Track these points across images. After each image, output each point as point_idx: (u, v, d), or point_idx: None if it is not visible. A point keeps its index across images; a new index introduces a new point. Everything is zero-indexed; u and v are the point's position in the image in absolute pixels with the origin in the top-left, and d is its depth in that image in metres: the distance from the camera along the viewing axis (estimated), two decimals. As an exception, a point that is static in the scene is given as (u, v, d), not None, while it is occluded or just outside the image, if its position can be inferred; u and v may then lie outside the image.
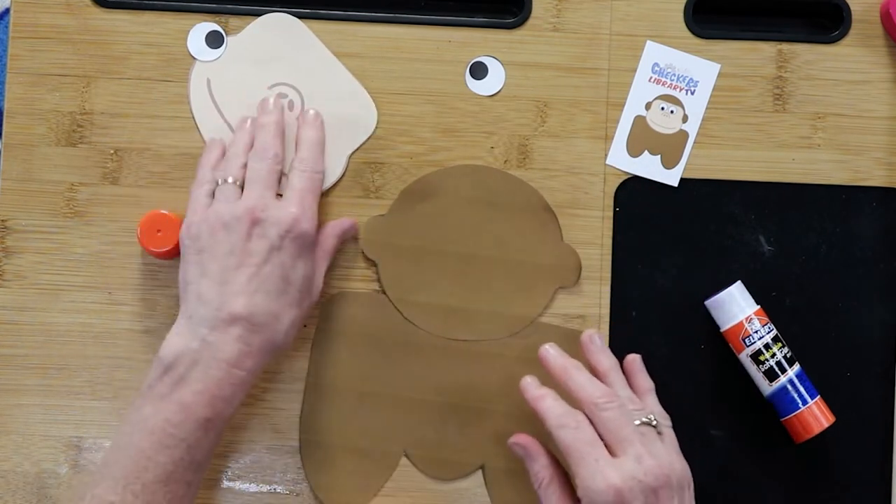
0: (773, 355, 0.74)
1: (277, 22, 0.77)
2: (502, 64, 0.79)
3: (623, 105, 0.79)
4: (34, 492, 0.76)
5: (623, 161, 0.78)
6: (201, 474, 0.69)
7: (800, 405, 0.74)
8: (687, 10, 0.79)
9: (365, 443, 0.76)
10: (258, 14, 0.78)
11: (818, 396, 0.75)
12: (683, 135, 0.79)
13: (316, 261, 0.73)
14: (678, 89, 0.79)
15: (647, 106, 0.79)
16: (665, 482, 0.67)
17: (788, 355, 0.75)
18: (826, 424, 0.75)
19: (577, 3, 0.79)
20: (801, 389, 0.74)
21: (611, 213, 0.78)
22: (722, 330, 0.75)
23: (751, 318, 0.74)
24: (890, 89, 0.79)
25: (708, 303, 0.76)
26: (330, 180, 0.77)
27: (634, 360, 0.75)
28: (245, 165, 0.73)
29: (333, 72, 0.77)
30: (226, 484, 0.77)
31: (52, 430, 0.77)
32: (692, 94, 0.79)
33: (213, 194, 0.72)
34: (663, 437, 0.70)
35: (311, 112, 0.76)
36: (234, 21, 0.78)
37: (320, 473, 0.76)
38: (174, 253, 0.76)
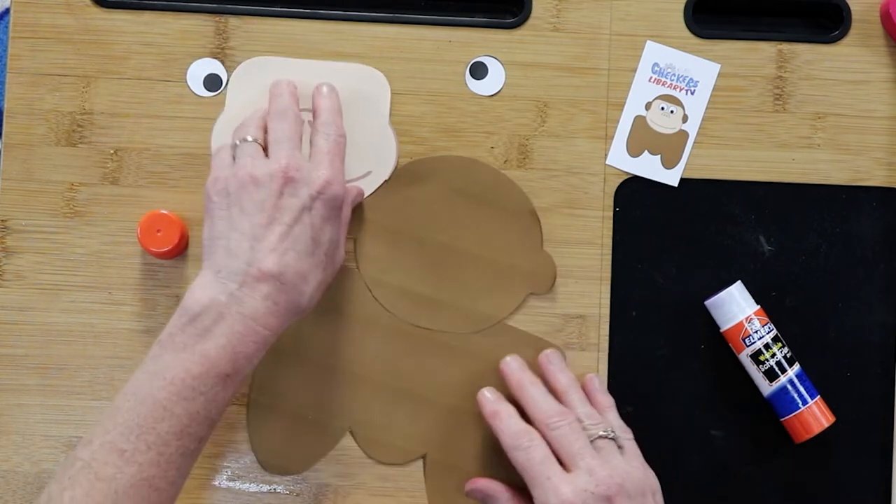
0: (773, 355, 0.74)
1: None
2: (502, 64, 0.79)
3: (623, 105, 0.79)
4: (34, 492, 0.76)
5: (623, 161, 0.78)
6: (211, 431, 0.68)
7: (800, 405, 0.74)
8: (687, 10, 0.79)
9: (312, 413, 0.76)
10: (258, 14, 0.78)
11: (818, 396, 0.75)
12: (683, 135, 0.79)
13: (340, 227, 0.72)
14: (678, 89, 0.79)
15: (647, 106, 0.79)
16: (618, 490, 0.67)
17: (788, 355, 0.75)
18: (826, 424, 0.75)
19: (577, 3, 0.79)
20: (801, 389, 0.74)
21: (611, 213, 0.78)
22: (722, 330, 0.75)
23: (751, 318, 0.74)
24: (890, 89, 0.79)
25: (708, 303, 0.76)
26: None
27: (592, 379, 0.76)
28: (264, 128, 0.72)
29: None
30: (226, 484, 0.77)
31: (52, 430, 0.77)
32: (692, 94, 0.79)
33: (233, 156, 0.72)
34: (624, 449, 0.71)
35: (325, 87, 0.75)
36: (233, 21, 0.78)
37: (262, 435, 0.76)
38: (174, 253, 0.76)
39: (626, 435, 0.72)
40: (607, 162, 0.78)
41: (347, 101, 0.77)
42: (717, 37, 0.79)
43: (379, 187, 0.77)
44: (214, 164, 0.72)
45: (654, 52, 0.79)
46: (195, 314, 0.66)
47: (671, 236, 0.79)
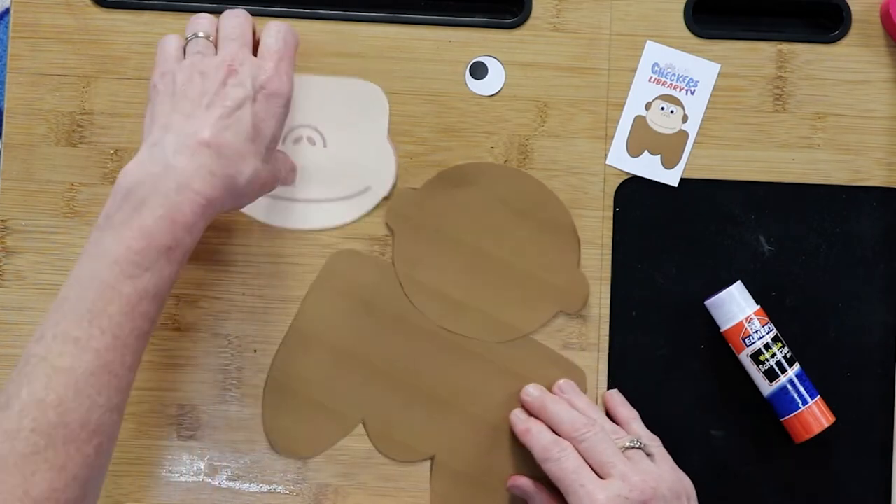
0: (773, 355, 0.74)
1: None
2: (502, 64, 0.79)
3: (623, 105, 0.79)
4: (34, 492, 0.76)
5: (623, 161, 0.78)
6: (161, 311, 0.66)
7: (800, 405, 0.74)
8: (687, 10, 0.79)
9: (328, 400, 0.76)
10: (258, 14, 0.78)
11: (818, 396, 0.75)
12: (683, 135, 0.79)
13: (281, 128, 0.71)
14: (678, 89, 0.79)
15: (647, 106, 0.79)
16: (653, 495, 0.68)
17: (788, 355, 0.75)
18: (826, 424, 0.75)
19: (577, 3, 0.79)
20: (801, 389, 0.74)
21: (611, 213, 0.78)
22: (722, 330, 0.75)
23: (751, 318, 0.74)
24: (890, 89, 0.79)
25: (708, 303, 0.76)
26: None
27: (612, 394, 0.77)
28: (214, 26, 0.72)
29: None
30: (226, 484, 0.77)
31: (52, 430, 0.76)
32: (692, 94, 0.79)
33: (184, 50, 0.71)
34: (653, 456, 0.72)
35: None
36: (234, 21, 0.78)
37: (277, 416, 0.76)
38: (174, 253, 0.76)
39: (653, 443, 0.73)
40: (607, 162, 0.78)
41: (345, 117, 0.77)
42: (717, 37, 0.79)
43: (379, 203, 0.77)
44: (161, 58, 0.71)
45: (654, 52, 0.79)
46: (129, 189, 0.65)
47: (671, 236, 0.79)
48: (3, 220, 0.77)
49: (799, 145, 0.79)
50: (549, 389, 0.76)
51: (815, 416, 0.74)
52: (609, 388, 0.77)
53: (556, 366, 0.77)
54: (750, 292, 0.76)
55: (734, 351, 0.75)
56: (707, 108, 0.79)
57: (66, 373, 0.61)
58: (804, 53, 0.79)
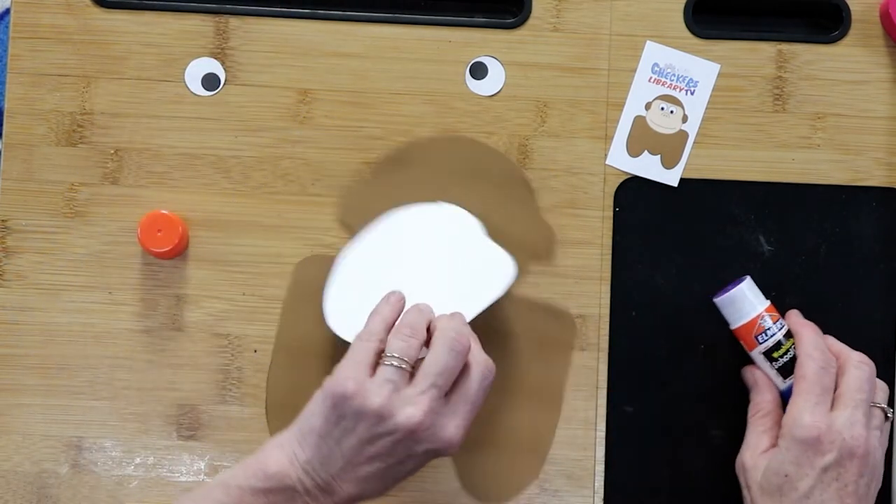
0: (787, 351, 0.74)
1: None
2: (502, 64, 0.79)
3: (623, 105, 0.79)
4: (34, 492, 0.76)
5: (623, 161, 0.78)
6: None
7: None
8: (687, 10, 0.79)
9: None
10: (258, 14, 0.78)
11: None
12: (683, 135, 0.79)
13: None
14: (678, 89, 0.79)
15: (647, 106, 0.79)
16: (863, 457, 0.68)
17: None
18: None
19: (577, 3, 0.79)
20: None
21: (611, 213, 0.78)
22: (733, 328, 0.75)
23: (763, 316, 0.74)
24: (890, 89, 0.79)
25: (718, 300, 0.75)
26: None
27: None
28: (420, 348, 0.68)
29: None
30: (226, 484, 0.77)
31: (52, 430, 0.77)
32: (692, 94, 0.79)
33: (377, 356, 0.68)
34: (883, 431, 0.72)
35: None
36: (233, 21, 0.78)
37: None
38: (174, 253, 0.76)
39: (890, 421, 0.73)
40: (607, 162, 0.78)
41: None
42: (716, 37, 0.79)
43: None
44: (349, 363, 0.67)
45: (653, 52, 0.79)
46: (272, 487, 0.66)
47: (671, 236, 0.79)
48: (3, 220, 0.77)
49: (799, 145, 0.79)
50: (540, 337, 0.76)
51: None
52: (609, 387, 0.77)
53: (544, 312, 0.77)
54: (750, 292, 0.76)
55: (745, 348, 0.75)
56: (707, 108, 0.79)
57: None
58: (804, 53, 0.79)
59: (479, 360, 0.68)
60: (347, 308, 0.74)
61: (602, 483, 0.77)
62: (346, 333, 0.73)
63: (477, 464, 0.77)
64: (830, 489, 0.68)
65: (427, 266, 0.75)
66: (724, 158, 0.79)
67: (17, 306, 0.77)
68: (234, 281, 0.77)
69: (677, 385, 0.78)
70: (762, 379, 0.74)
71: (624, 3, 0.79)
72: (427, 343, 0.69)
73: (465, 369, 0.68)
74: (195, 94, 0.78)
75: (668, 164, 0.79)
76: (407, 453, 0.66)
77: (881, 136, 0.79)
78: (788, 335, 0.74)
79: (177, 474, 0.77)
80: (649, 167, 0.78)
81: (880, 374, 0.77)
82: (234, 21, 0.78)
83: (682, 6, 0.79)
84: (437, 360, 0.67)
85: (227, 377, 0.77)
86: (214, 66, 0.78)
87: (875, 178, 0.79)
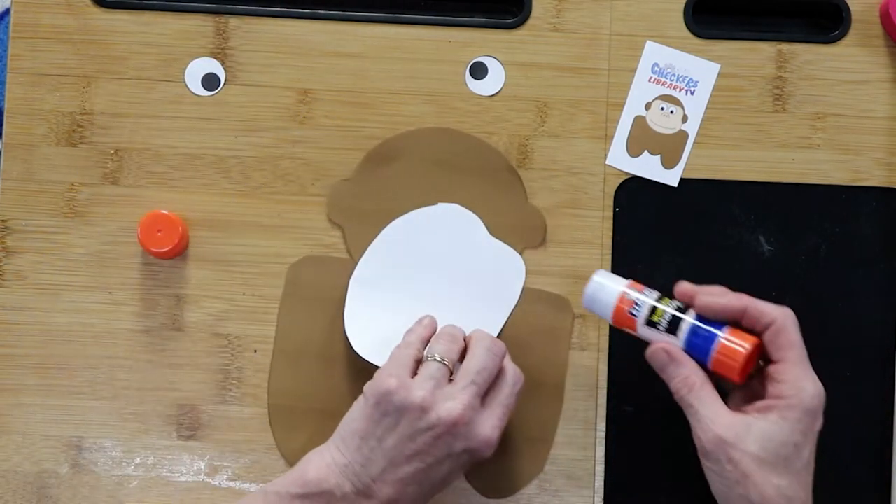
0: (665, 311, 0.70)
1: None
2: (502, 64, 0.79)
3: (623, 105, 0.79)
4: (34, 492, 0.76)
5: (623, 161, 0.78)
6: None
7: (716, 333, 0.69)
8: (687, 10, 0.79)
9: (330, 404, 0.76)
10: (258, 14, 0.78)
11: (727, 326, 0.70)
12: (683, 135, 0.79)
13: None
14: (678, 89, 0.79)
15: (647, 106, 0.79)
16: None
17: (680, 306, 0.71)
18: (749, 347, 0.68)
19: (577, 3, 0.79)
20: (708, 326, 0.69)
21: (611, 213, 0.78)
22: (611, 321, 0.71)
23: (626, 292, 0.71)
24: (890, 89, 0.79)
25: (586, 306, 0.72)
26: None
27: None
28: (459, 353, 0.71)
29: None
30: (226, 484, 0.77)
31: (52, 430, 0.77)
32: (692, 94, 0.79)
33: (416, 363, 0.70)
34: None
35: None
36: (233, 21, 0.78)
37: (289, 437, 0.76)
38: (174, 253, 0.76)
39: None
40: (607, 162, 0.78)
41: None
42: (716, 37, 0.79)
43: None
44: (391, 364, 0.69)
45: (653, 52, 0.79)
46: (309, 492, 0.67)
47: (671, 236, 0.79)
48: (3, 220, 0.77)
49: (799, 145, 0.79)
50: (539, 326, 0.76)
51: (734, 341, 0.69)
52: (609, 387, 0.77)
53: (541, 301, 0.77)
54: (750, 292, 0.75)
55: (632, 333, 0.71)
56: (707, 109, 0.79)
57: None
58: (804, 53, 0.79)
59: (512, 367, 0.71)
60: (373, 330, 0.75)
61: (602, 483, 0.77)
62: (375, 357, 0.74)
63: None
64: (814, 450, 0.68)
65: (443, 275, 0.76)
66: (724, 158, 0.79)
67: (17, 306, 0.77)
68: (234, 281, 0.77)
69: (677, 385, 0.78)
70: (675, 352, 0.69)
71: (624, 3, 0.79)
72: (462, 356, 0.71)
73: (500, 374, 0.70)
74: (195, 94, 0.78)
75: (668, 164, 0.79)
76: (447, 452, 0.67)
77: (881, 136, 0.79)
78: (661, 298, 0.71)
79: (177, 474, 0.77)
80: (649, 167, 0.78)
81: (881, 374, 0.77)
82: (234, 21, 0.78)
83: (682, 6, 0.79)
84: (476, 361, 0.69)
85: (227, 377, 0.77)
86: (214, 66, 0.78)
87: (875, 178, 0.79)
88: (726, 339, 0.69)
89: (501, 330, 0.77)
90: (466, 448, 0.68)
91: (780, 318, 0.68)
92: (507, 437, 0.75)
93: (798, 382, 0.68)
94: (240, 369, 0.77)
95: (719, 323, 0.70)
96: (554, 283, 0.78)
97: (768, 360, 0.69)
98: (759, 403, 0.68)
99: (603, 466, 0.77)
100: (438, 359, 0.69)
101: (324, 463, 0.68)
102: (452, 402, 0.67)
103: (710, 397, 0.68)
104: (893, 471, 0.78)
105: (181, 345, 0.77)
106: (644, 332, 0.71)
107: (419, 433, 0.67)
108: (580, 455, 0.77)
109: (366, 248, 0.77)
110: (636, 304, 0.70)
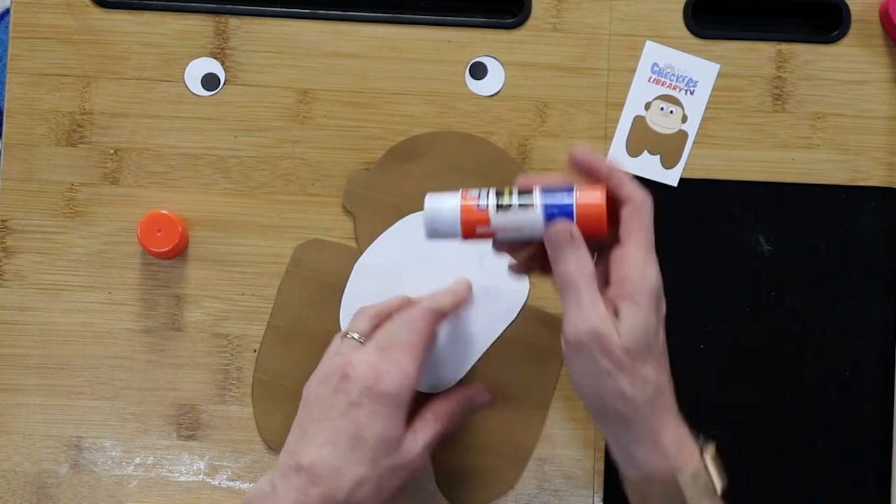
0: (511, 188, 0.65)
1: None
2: (502, 64, 0.79)
3: (622, 105, 0.79)
4: (34, 492, 0.76)
5: (622, 161, 0.78)
6: None
7: (571, 190, 0.64)
8: (686, 10, 0.79)
9: None
10: (258, 14, 0.78)
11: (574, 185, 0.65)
12: (683, 135, 0.79)
13: (412, 425, 0.70)
14: (678, 89, 0.79)
15: (647, 106, 0.79)
16: None
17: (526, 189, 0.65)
18: (604, 192, 0.64)
19: (577, 3, 0.79)
20: (556, 191, 0.64)
21: (610, 213, 0.78)
22: (463, 236, 0.65)
23: (465, 192, 0.65)
24: (890, 89, 0.79)
25: (430, 234, 0.65)
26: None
27: None
28: (378, 327, 0.72)
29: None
30: (226, 484, 0.77)
31: (52, 430, 0.77)
32: (692, 94, 0.79)
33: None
34: None
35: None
36: (233, 21, 0.78)
37: (268, 416, 0.77)
38: (174, 253, 0.76)
39: None
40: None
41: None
42: (716, 37, 0.79)
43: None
44: (325, 354, 0.72)
45: (653, 52, 0.79)
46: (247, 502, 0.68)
47: (671, 236, 0.78)
48: (3, 220, 0.77)
49: (798, 145, 0.79)
50: (529, 344, 0.77)
51: (590, 193, 0.64)
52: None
53: (537, 321, 0.77)
54: (750, 292, 0.76)
55: (488, 233, 0.64)
56: (706, 108, 0.79)
57: None
58: (803, 53, 0.79)
59: (421, 309, 0.71)
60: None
61: (602, 483, 0.77)
62: None
63: (455, 465, 0.77)
64: (664, 333, 0.65)
65: (448, 277, 0.76)
66: (724, 158, 0.79)
67: (17, 306, 0.77)
68: (233, 281, 0.77)
69: (677, 384, 0.77)
70: (577, 234, 0.63)
71: (623, 3, 0.79)
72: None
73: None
74: (195, 94, 0.78)
75: (668, 164, 0.79)
76: (343, 402, 0.68)
77: (881, 136, 0.79)
78: (500, 191, 0.65)
79: (176, 474, 0.77)
80: (649, 167, 0.78)
81: (880, 375, 0.77)
82: (234, 21, 0.78)
83: (681, 6, 0.79)
84: (392, 329, 0.71)
85: (226, 377, 0.77)
86: (214, 66, 0.78)
87: (875, 178, 0.79)
88: (582, 194, 0.64)
89: (493, 343, 0.77)
90: (362, 390, 0.68)
91: (640, 199, 0.64)
92: (481, 450, 0.76)
93: (645, 267, 0.63)
94: (240, 369, 0.77)
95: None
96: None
97: (612, 241, 0.65)
98: (611, 291, 0.64)
99: (603, 466, 0.77)
100: (356, 336, 0.71)
101: (262, 477, 0.69)
102: (340, 357, 0.70)
103: (594, 286, 0.63)
104: (893, 471, 0.78)
105: (181, 345, 0.77)
106: (498, 220, 0.64)
107: (322, 393, 0.69)
108: (580, 455, 0.77)
109: (373, 239, 0.77)
110: (479, 195, 0.64)
